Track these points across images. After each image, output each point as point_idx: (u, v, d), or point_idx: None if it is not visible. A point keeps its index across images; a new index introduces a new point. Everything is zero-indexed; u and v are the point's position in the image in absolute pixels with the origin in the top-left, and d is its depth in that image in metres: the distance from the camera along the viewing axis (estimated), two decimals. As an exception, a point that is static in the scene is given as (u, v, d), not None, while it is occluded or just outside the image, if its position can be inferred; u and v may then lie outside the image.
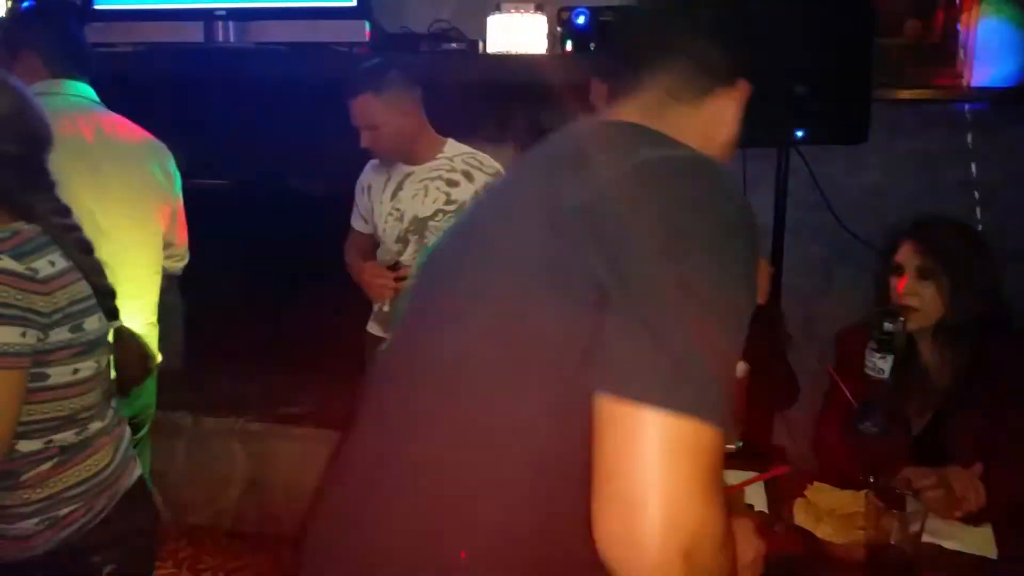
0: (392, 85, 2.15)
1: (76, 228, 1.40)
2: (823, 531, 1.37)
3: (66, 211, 1.40)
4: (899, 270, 1.71)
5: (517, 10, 2.68)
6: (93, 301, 1.39)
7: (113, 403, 1.51)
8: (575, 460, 0.77)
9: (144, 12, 2.90)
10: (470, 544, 0.84)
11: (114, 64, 2.52)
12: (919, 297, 1.66)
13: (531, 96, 2.81)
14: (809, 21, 2.42)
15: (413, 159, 2.23)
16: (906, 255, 1.71)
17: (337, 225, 3.22)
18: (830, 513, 1.41)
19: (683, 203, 0.81)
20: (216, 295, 3.07)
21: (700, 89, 1.02)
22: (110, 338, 1.47)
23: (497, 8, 2.70)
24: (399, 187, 2.24)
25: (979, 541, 1.39)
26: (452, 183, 2.19)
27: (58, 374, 1.32)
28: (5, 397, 1.23)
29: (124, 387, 1.53)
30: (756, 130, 2.61)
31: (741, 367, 1.56)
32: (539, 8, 2.68)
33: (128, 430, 1.57)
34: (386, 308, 2.29)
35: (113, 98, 2.04)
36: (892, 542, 1.24)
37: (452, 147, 2.27)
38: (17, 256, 1.25)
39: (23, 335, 1.23)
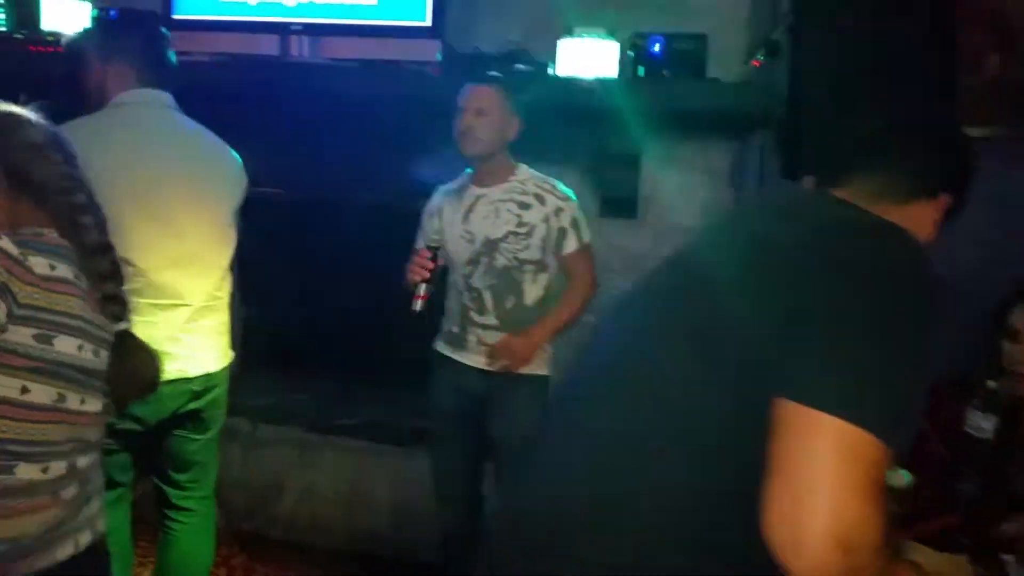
0: (514, 93, 2.25)
1: (107, 248, 1.32)
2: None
3: (104, 228, 1.33)
4: (1016, 336, 1.66)
5: (589, 34, 2.68)
6: (80, 326, 1.23)
7: (84, 460, 1.27)
8: (756, 452, 0.88)
9: (222, 23, 2.96)
10: (652, 519, 0.97)
11: (189, 73, 2.58)
12: None
13: (599, 121, 2.82)
14: (882, 57, 2.40)
15: (487, 180, 2.25)
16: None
17: (398, 239, 3.25)
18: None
19: (880, 252, 0.96)
20: (277, 303, 3.12)
21: (907, 195, 1.18)
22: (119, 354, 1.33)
23: (568, 32, 2.71)
24: (470, 210, 2.26)
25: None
26: (524, 205, 2.21)
27: None
28: None
29: (119, 401, 1.37)
30: (828, 164, 2.61)
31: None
32: (611, 33, 2.68)
33: (98, 502, 1.33)
34: (454, 329, 2.30)
35: (186, 106, 2.09)
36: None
37: (524, 172, 2.28)
38: (21, 246, 1.17)
39: None
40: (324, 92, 2.92)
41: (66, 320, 1.20)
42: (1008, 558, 1.42)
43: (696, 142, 2.87)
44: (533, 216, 2.20)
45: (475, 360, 2.27)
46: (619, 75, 2.69)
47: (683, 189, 2.90)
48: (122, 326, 1.32)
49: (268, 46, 2.99)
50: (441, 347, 2.36)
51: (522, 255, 2.20)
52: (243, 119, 2.93)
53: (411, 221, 3.19)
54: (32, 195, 1.26)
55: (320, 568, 2.74)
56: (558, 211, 2.22)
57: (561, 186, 2.28)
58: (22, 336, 1.15)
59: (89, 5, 3.10)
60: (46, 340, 1.17)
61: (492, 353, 2.22)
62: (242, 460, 2.87)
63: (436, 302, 2.32)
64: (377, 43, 2.89)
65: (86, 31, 2.43)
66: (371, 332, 3.30)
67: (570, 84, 2.67)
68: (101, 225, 1.31)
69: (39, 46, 3.05)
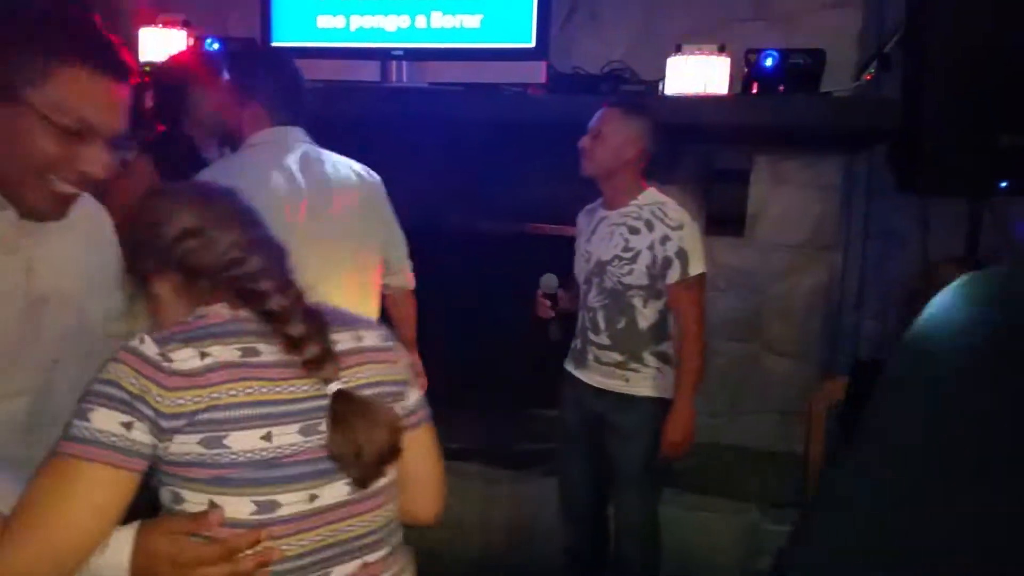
0: (638, 118, 2.23)
1: (295, 308, 1.08)
2: None
3: (289, 285, 1.11)
4: None
5: (700, 51, 2.66)
6: (263, 412, 1.01)
7: (374, 556, 1.10)
8: None
9: (322, 50, 2.97)
10: None
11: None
12: None
13: (708, 138, 2.80)
14: (1010, 68, 2.36)
15: (611, 202, 2.27)
16: None
17: (510, 264, 3.26)
18: None
19: None
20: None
21: None
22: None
23: (678, 49, 2.69)
24: (594, 231, 2.29)
25: None
26: (633, 230, 2.21)
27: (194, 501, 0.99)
28: (85, 500, 0.94)
29: (363, 478, 1.07)
30: (950, 178, 2.58)
31: None
32: (722, 49, 2.66)
33: None
34: (578, 346, 2.33)
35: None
36: None
37: (647, 196, 2.26)
38: (163, 342, 1.00)
39: (127, 427, 0.95)
40: (425, 116, 2.91)
41: (236, 412, 0.99)
42: None
43: (806, 158, 2.85)
44: (639, 242, 2.19)
45: (592, 378, 2.29)
46: (731, 91, 2.67)
47: (792, 206, 2.88)
48: (332, 388, 1.06)
49: (369, 71, 3.00)
50: (568, 364, 2.39)
51: (626, 279, 2.19)
52: (343, 146, 2.96)
53: (524, 242, 3.20)
54: (203, 279, 1.09)
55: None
56: (664, 239, 2.17)
57: (675, 212, 2.21)
58: (189, 447, 0.97)
59: (185, 33, 3.12)
60: (215, 443, 0.97)
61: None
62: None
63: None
64: (479, 66, 2.89)
65: (198, 58, 2.45)
66: (474, 357, 3.32)
67: (678, 101, 2.66)
68: (284, 284, 1.10)
69: (138, 78, 3.08)
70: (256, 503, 0.99)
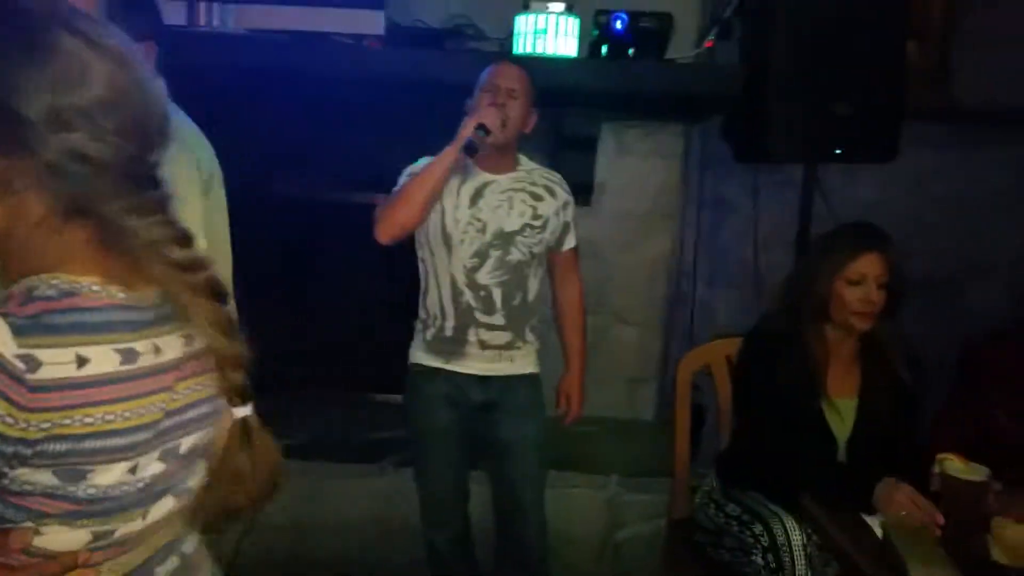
0: (534, 81, 2.08)
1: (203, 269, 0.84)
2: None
3: (186, 240, 0.83)
4: None
5: (548, 9, 2.54)
6: (139, 440, 0.80)
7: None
8: None
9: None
10: None
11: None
12: None
13: (558, 102, 2.69)
14: (848, 40, 2.47)
15: (497, 167, 2.05)
16: None
17: (331, 229, 2.96)
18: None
19: None
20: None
21: None
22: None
23: (526, 6, 2.55)
24: (479, 194, 2.03)
25: None
26: (536, 197, 2.05)
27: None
28: None
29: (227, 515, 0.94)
30: (791, 145, 2.66)
31: (983, 470, 1.54)
32: (571, 9, 2.55)
33: None
34: (449, 333, 2.08)
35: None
36: None
37: (526, 162, 2.13)
38: (26, 331, 0.71)
39: None
40: (242, 67, 2.55)
41: (105, 442, 0.76)
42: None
43: (649, 126, 2.83)
44: (546, 208, 2.05)
45: (472, 367, 2.07)
46: (579, 54, 2.58)
47: (635, 175, 2.85)
48: (240, 413, 0.89)
49: (174, 13, 2.57)
50: (426, 359, 2.12)
51: (536, 249, 2.04)
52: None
53: (350, 207, 2.91)
54: (84, 209, 0.77)
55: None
56: (566, 205, 2.10)
57: (562, 179, 2.14)
58: (39, 477, 0.74)
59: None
60: (77, 478, 0.75)
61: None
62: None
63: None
64: (308, 12, 2.57)
65: None
66: (305, 340, 3.00)
67: (527, 62, 2.52)
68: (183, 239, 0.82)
69: None
70: (94, 533, 0.80)
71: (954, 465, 1.53)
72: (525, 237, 2.02)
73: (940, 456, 1.55)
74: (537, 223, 2.03)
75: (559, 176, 2.13)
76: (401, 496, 2.55)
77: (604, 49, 2.57)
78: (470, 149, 1.93)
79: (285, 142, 2.79)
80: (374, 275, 2.99)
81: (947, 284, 3.09)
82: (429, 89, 2.62)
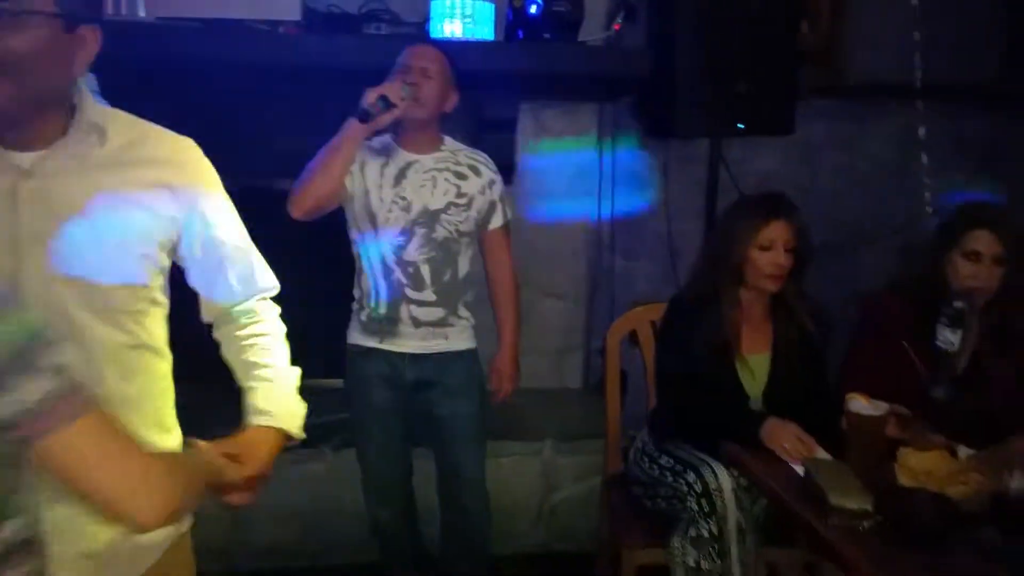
0: (454, 62, 2.13)
1: None
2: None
3: None
4: (976, 256, 1.92)
5: (463, -5, 2.60)
6: None
7: None
8: None
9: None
10: None
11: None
12: (991, 281, 1.89)
13: (477, 85, 2.76)
14: (747, 23, 2.64)
15: (419, 147, 2.11)
16: (985, 244, 1.91)
17: (256, 216, 2.93)
18: (928, 475, 1.59)
19: None
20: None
21: None
22: None
23: (440, -9, 2.60)
24: (402, 175, 2.09)
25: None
26: (460, 176, 2.11)
27: None
28: None
29: None
30: (698, 122, 2.82)
31: (882, 406, 1.71)
32: (485, -6, 2.62)
33: None
34: (382, 311, 2.13)
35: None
36: (1013, 492, 1.44)
37: (451, 143, 2.18)
38: None
39: None
40: (154, 57, 2.52)
41: None
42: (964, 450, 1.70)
43: (565, 106, 2.93)
44: (470, 187, 2.11)
45: (406, 345, 2.13)
46: (495, 38, 2.66)
47: (555, 153, 2.96)
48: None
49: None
50: (362, 339, 2.17)
51: (462, 227, 2.11)
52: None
53: (263, 197, 2.90)
54: None
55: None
56: (492, 183, 2.16)
57: (488, 158, 2.20)
58: None
59: None
60: None
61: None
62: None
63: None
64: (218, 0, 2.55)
65: None
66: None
67: (446, 46, 2.58)
68: None
69: None
70: None
71: (858, 403, 1.70)
72: (449, 215, 2.08)
73: (848, 396, 1.72)
74: (461, 201, 2.10)
75: (485, 156, 2.19)
76: (340, 479, 2.60)
77: (520, 33, 2.65)
78: (363, 116, 1.96)
79: (202, 131, 2.75)
80: (306, 261, 2.99)
81: (842, 247, 3.32)
82: (346, 74, 2.64)
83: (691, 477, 1.89)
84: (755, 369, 2.05)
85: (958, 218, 2.00)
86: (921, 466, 1.63)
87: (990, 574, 1.35)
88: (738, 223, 2.06)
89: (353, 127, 1.99)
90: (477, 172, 2.14)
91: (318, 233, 2.57)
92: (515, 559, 2.63)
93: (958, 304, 1.69)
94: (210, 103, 2.75)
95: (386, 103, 1.96)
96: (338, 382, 2.94)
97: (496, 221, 2.20)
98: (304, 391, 3.16)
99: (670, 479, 1.97)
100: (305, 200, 2.03)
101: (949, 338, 1.70)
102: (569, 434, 2.72)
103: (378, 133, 2.10)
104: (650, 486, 2.07)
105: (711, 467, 1.88)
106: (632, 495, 2.16)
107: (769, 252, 1.99)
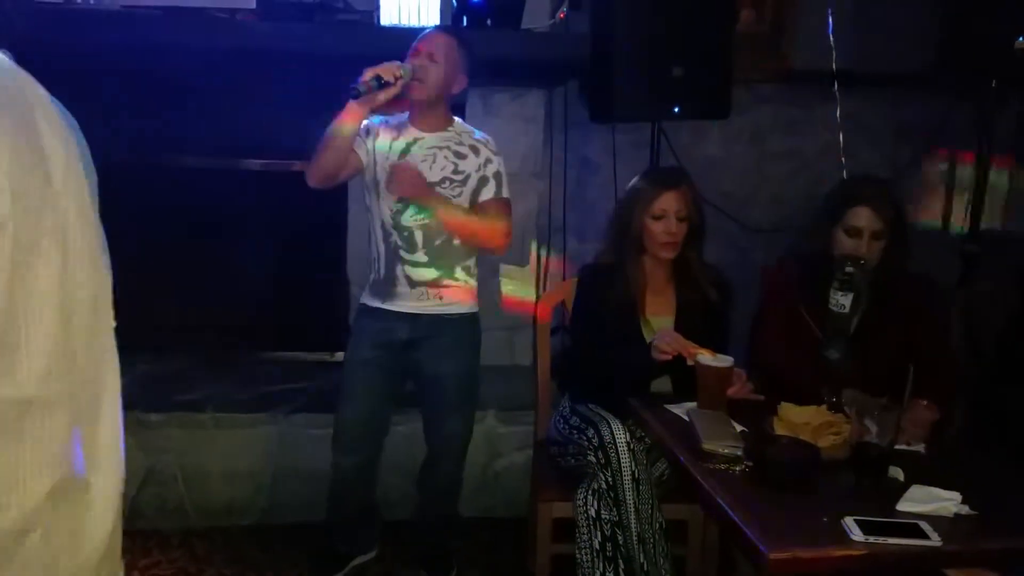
0: (467, 48, 2.26)
1: None
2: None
3: None
4: (856, 232, 2.03)
5: (411, -17, 2.73)
6: None
7: None
8: None
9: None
10: None
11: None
12: (872, 254, 2.01)
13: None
14: (684, 9, 2.75)
15: (426, 125, 2.27)
16: (866, 219, 2.02)
17: (221, 200, 3.09)
18: (804, 425, 1.71)
19: None
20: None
21: None
22: None
23: (389, -20, 2.73)
24: (407, 149, 2.25)
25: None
26: (460, 155, 2.26)
27: None
28: None
29: None
30: (636, 106, 2.94)
31: (727, 359, 1.88)
32: (432, -18, 2.75)
33: None
34: (382, 271, 2.30)
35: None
36: (874, 440, 1.56)
37: (460, 125, 2.33)
38: None
39: None
40: (118, 44, 2.65)
41: None
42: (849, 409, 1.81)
43: (513, 91, 3.05)
44: (468, 166, 2.26)
45: (404, 305, 2.30)
46: (441, 23, 2.78)
47: (502, 137, 3.06)
48: None
49: (46, -10, 2.64)
50: (368, 299, 2.37)
51: (455, 202, 2.25)
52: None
53: (233, 178, 3.05)
54: None
55: (183, 550, 2.60)
56: (487, 162, 2.29)
57: (491, 140, 2.34)
58: None
59: None
60: None
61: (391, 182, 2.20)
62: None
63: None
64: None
65: None
66: (192, 303, 3.14)
67: (393, 32, 2.72)
68: None
69: None
70: None
71: (705, 357, 1.89)
72: (443, 189, 2.24)
73: (698, 354, 1.91)
74: (457, 178, 2.25)
75: (490, 139, 2.34)
76: (292, 442, 2.74)
77: (464, 20, 2.77)
78: (354, 94, 2.10)
79: (166, 113, 2.92)
80: (267, 238, 3.15)
81: (788, 230, 3.43)
82: (300, 60, 2.79)
83: (590, 432, 2.02)
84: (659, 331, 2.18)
85: (839, 195, 2.12)
86: (798, 418, 1.75)
87: (834, 510, 1.46)
88: (635, 195, 2.20)
89: (349, 105, 2.15)
90: (477, 152, 2.29)
91: (275, 212, 2.70)
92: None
93: (848, 269, 1.80)
94: (172, 87, 2.91)
95: (379, 82, 2.10)
96: (296, 355, 3.11)
97: (487, 193, 2.29)
98: (267, 362, 3.33)
99: (576, 436, 2.10)
100: (315, 171, 2.24)
101: (840, 301, 1.81)
102: (511, 405, 2.85)
103: (382, 111, 2.26)
104: (563, 445, 2.20)
105: (608, 422, 2.01)
106: (551, 454, 2.29)
107: (662, 221, 2.13)
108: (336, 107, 2.28)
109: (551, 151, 3.22)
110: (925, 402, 1.80)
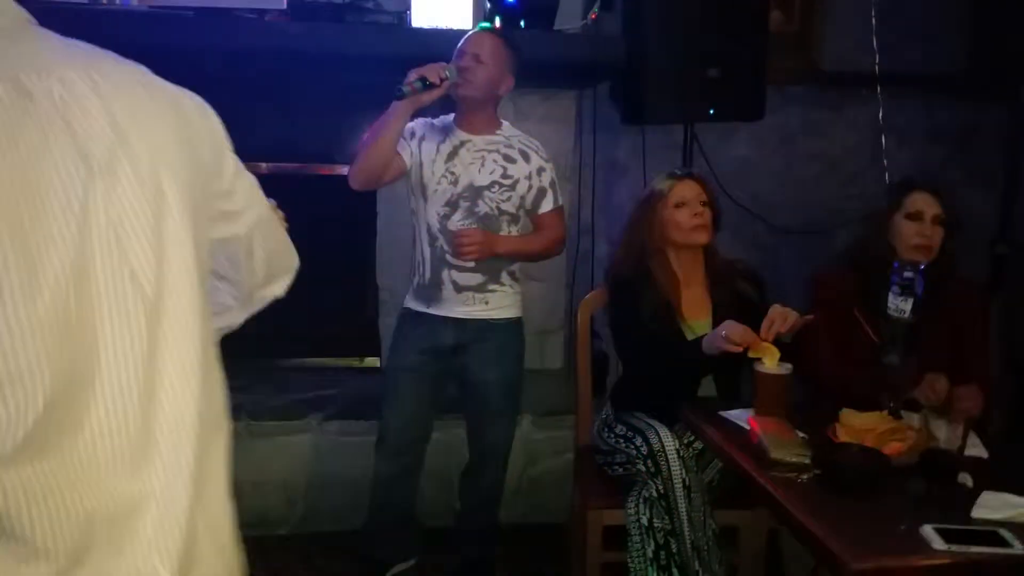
0: (514, 48, 2.24)
1: None
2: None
3: None
4: (919, 215, 2.04)
5: (443, -16, 2.70)
6: None
7: None
8: None
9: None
10: None
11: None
12: (933, 239, 2.01)
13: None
14: (718, 11, 2.73)
15: (473, 128, 2.25)
16: (926, 203, 2.04)
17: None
18: (868, 432, 1.68)
19: None
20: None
21: None
22: None
23: (422, -19, 2.70)
24: (455, 152, 2.23)
25: (973, 447, 1.74)
26: (509, 159, 2.24)
27: None
28: None
29: None
30: (669, 108, 2.91)
31: (787, 367, 1.86)
32: (465, -17, 2.72)
33: None
34: (427, 276, 2.28)
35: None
36: (942, 446, 1.53)
37: (508, 128, 2.32)
38: None
39: None
40: (146, 44, 2.60)
41: None
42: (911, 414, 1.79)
43: (543, 92, 3.02)
44: (517, 171, 2.24)
45: (451, 310, 2.28)
46: (473, 26, 2.75)
47: (534, 138, 3.04)
48: None
49: (76, -9, 2.61)
50: (412, 304, 2.35)
51: (504, 206, 2.23)
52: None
53: (265, 187, 3.00)
54: None
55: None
56: (540, 170, 2.28)
57: (541, 146, 2.33)
58: None
59: None
60: None
61: (455, 242, 2.20)
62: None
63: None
64: (210, -11, 2.65)
65: None
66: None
67: (426, 35, 2.69)
68: None
69: None
70: None
71: (764, 363, 1.87)
72: (493, 193, 2.22)
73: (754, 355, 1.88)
74: (506, 182, 2.23)
75: (538, 144, 2.32)
76: (326, 450, 2.70)
77: (497, 21, 2.74)
78: (399, 94, 2.09)
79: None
80: (296, 242, 3.09)
81: (817, 232, 3.41)
82: (331, 62, 2.76)
83: (639, 441, 2.00)
84: (699, 333, 2.15)
85: (899, 186, 2.12)
86: (862, 425, 1.73)
87: (909, 518, 1.43)
88: (649, 195, 2.21)
89: (394, 106, 2.14)
90: (527, 158, 2.27)
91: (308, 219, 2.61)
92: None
93: (908, 274, 1.78)
94: (200, 88, 2.86)
95: (424, 83, 2.09)
96: (324, 361, 3.07)
97: (546, 205, 2.32)
98: (300, 369, 3.30)
99: (623, 446, 2.07)
100: (359, 173, 2.22)
101: (900, 306, 1.79)
102: (547, 410, 2.82)
103: (426, 113, 2.26)
104: (608, 454, 2.17)
105: (656, 431, 1.99)
106: (597, 464, 2.26)
107: (685, 207, 2.14)
108: (370, 109, 2.27)
109: (580, 154, 3.19)
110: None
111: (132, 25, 2.58)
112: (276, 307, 3.46)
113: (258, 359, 3.15)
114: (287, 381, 2.98)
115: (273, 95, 2.92)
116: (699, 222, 2.15)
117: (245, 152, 3.06)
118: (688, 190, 2.17)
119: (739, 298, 2.17)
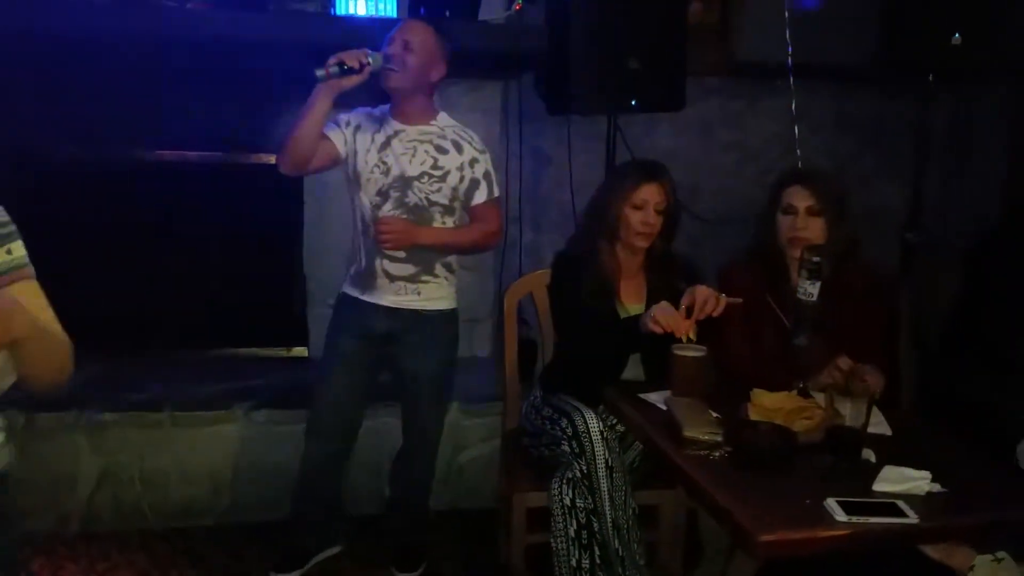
0: (444, 35, 2.24)
1: None
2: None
3: None
4: (792, 209, 2.13)
5: (367, -27, 2.69)
6: None
7: None
8: None
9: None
10: None
11: None
12: (809, 230, 2.08)
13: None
14: (638, 2, 2.79)
15: (407, 118, 2.24)
16: (798, 197, 2.12)
17: (173, 194, 2.99)
18: (777, 411, 1.77)
19: None
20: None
21: None
22: None
23: (345, -31, 2.68)
24: (388, 142, 2.22)
25: (877, 425, 1.84)
26: (441, 150, 2.23)
27: None
28: None
29: None
30: (593, 98, 2.97)
31: (702, 349, 1.92)
32: (388, -27, 2.71)
33: None
34: (362, 264, 2.29)
35: None
36: (847, 423, 1.62)
37: (444, 119, 2.30)
38: None
39: None
40: (63, 33, 2.54)
41: None
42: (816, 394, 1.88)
43: (469, 82, 3.04)
44: (449, 162, 2.24)
45: (383, 299, 2.29)
46: (397, 14, 2.75)
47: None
48: None
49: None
50: (349, 289, 2.36)
51: (433, 197, 2.23)
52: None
53: (177, 175, 2.96)
54: None
55: (141, 552, 2.52)
56: (473, 161, 2.26)
57: (477, 136, 2.32)
58: None
59: None
60: None
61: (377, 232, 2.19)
62: (22, 456, 2.49)
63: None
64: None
65: None
66: (145, 303, 3.03)
67: (350, 23, 2.68)
68: None
69: None
70: None
71: (680, 346, 1.95)
72: (423, 183, 2.22)
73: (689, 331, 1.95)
74: (437, 173, 2.22)
75: (473, 135, 2.31)
76: (251, 440, 2.69)
77: (422, 11, 2.75)
78: (315, 78, 2.09)
79: (113, 103, 2.81)
80: (221, 233, 3.06)
81: (736, 220, 3.51)
82: (255, 50, 2.73)
83: (564, 423, 2.05)
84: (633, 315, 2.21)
85: (775, 182, 2.22)
86: (772, 404, 1.81)
87: (815, 492, 1.51)
88: (616, 184, 2.23)
89: (316, 90, 2.12)
90: (459, 149, 2.26)
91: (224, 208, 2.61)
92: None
93: (815, 258, 1.86)
94: (122, 77, 2.80)
95: (341, 67, 2.08)
96: (255, 351, 3.05)
97: (479, 197, 2.30)
98: (227, 359, 3.26)
99: (549, 427, 2.13)
100: (287, 157, 2.19)
101: (808, 290, 1.87)
102: (475, 397, 2.85)
103: (357, 103, 2.27)
104: (535, 435, 2.22)
105: (581, 412, 2.04)
106: (523, 446, 2.31)
107: (641, 211, 2.16)
108: (296, 98, 2.25)
109: (507, 143, 3.22)
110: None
111: (50, 13, 2.50)
112: (203, 297, 3.45)
113: (184, 350, 3.11)
114: (214, 372, 2.95)
115: (197, 84, 2.88)
116: (646, 230, 2.18)
117: (167, 142, 3.05)
118: (650, 195, 2.17)
119: (673, 291, 2.21)
